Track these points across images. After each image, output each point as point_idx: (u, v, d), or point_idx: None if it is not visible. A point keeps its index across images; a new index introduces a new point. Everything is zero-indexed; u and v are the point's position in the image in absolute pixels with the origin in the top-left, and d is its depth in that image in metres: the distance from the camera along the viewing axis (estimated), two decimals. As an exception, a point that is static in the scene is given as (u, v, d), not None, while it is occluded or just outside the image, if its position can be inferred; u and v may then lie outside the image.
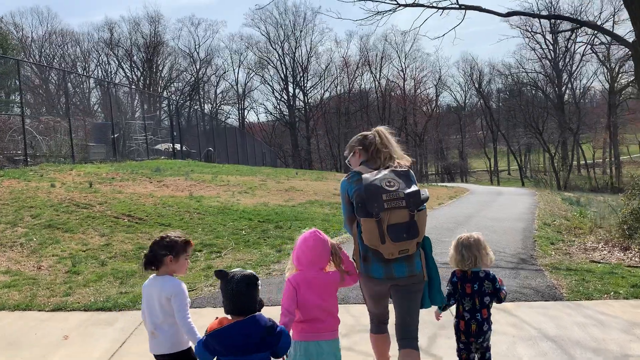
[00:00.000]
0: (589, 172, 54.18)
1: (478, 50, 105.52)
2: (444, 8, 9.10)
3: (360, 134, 3.26)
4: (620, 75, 50.54)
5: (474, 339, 3.00)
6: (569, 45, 51.93)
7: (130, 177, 14.51)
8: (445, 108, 68.63)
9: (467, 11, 9.62)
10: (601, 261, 6.15)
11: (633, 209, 7.12)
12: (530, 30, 52.79)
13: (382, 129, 3.19)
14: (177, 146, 27.21)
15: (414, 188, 2.79)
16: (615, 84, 50.59)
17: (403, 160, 3.03)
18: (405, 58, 59.41)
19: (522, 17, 53.10)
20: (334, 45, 78.32)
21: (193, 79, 59.36)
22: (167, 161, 21.59)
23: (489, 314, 3.03)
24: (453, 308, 3.11)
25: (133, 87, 45.30)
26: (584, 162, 56.05)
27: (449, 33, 9.47)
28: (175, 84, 60.03)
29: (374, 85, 60.27)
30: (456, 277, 3.06)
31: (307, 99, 59.78)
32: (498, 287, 3.02)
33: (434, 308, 3.09)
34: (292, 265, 2.90)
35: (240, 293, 2.32)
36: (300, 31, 58.11)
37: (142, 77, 56.75)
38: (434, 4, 9.10)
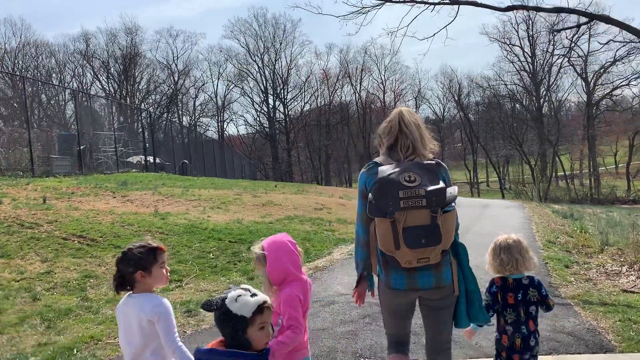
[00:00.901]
0: (568, 183, 54.33)
1: (457, 63, 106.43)
2: (436, 3, 8.22)
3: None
4: (596, 87, 51.18)
5: (518, 355, 2.65)
6: (547, 58, 52.53)
7: (93, 191, 13.26)
8: (424, 120, 68.29)
9: (460, 11, 8.73)
10: (635, 290, 5.22)
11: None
12: (509, 42, 53.58)
13: (403, 110, 2.69)
14: (151, 159, 25.96)
15: (439, 185, 2.33)
16: (592, 97, 51.10)
17: (428, 151, 2.58)
18: (385, 70, 59.19)
19: (501, 29, 53.91)
20: (314, 57, 77.79)
21: (171, 90, 58.16)
22: (138, 174, 20.29)
23: (536, 326, 2.70)
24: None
25: (105, 97, 43.75)
26: (562, 173, 56.12)
27: (440, 33, 8.69)
28: (153, 96, 58.88)
29: (354, 98, 59.79)
30: (496, 286, 2.73)
31: (288, 111, 59.01)
32: (545, 293, 2.71)
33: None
34: (271, 286, 2.43)
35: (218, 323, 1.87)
36: (280, 43, 57.48)
37: (119, 89, 55.38)
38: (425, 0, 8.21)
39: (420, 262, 2.29)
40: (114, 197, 12.73)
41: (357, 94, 59.24)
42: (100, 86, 55.14)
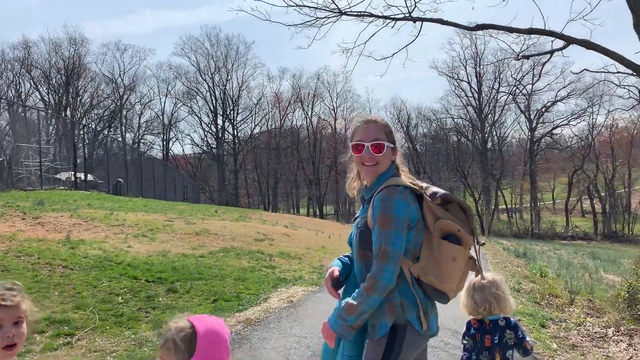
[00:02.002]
0: (510, 217, 55.76)
1: (407, 95, 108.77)
2: (397, 19, 7.41)
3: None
4: (538, 125, 53.38)
5: None
6: (492, 94, 54.33)
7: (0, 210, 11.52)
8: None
9: (423, 30, 7.96)
10: (632, 365, 4.35)
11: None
12: (457, 77, 55.02)
13: None
14: (83, 176, 23.93)
15: None
16: (534, 134, 53.18)
17: None
18: (337, 98, 59.10)
19: (449, 64, 55.25)
20: (266, 80, 76.89)
21: (114, 105, 55.79)
22: (63, 192, 18.38)
23: None
24: None
25: (40, 108, 40.91)
26: (504, 206, 57.52)
27: (400, 53, 7.94)
28: (96, 110, 56.33)
29: (305, 123, 59.28)
30: (473, 328, 2.61)
31: (237, 133, 57.71)
32: (521, 336, 2.56)
33: None
34: None
35: None
36: (232, 64, 56.52)
37: (59, 101, 52.47)
38: (384, 14, 7.39)
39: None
40: (24, 219, 11.05)
41: (308, 119, 58.82)
42: (39, 97, 52.04)
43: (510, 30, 6.79)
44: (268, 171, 56.82)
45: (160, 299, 6.26)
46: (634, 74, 5.98)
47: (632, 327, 5.20)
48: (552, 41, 6.82)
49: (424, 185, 2.19)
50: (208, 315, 1.71)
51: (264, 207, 56.78)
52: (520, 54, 7.36)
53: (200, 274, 7.52)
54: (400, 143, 2.28)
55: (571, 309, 6.56)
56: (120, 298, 6.21)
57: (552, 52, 6.82)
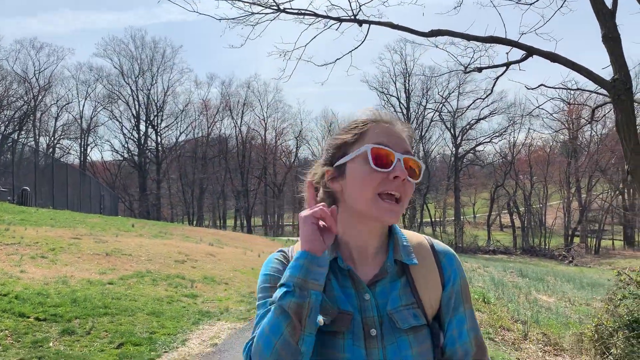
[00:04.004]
0: (434, 230, 57.34)
1: (338, 108, 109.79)
2: (342, 19, 6.72)
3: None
4: (462, 142, 55.57)
5: None
6: (420, 111, 55.91)
7: None
8: (303, 161, 68.52)
9: (370, 33, 7.32)
10: None
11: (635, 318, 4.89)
12: (387, 92, 56.08)
13: None
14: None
15: None
16: (459, 150, 55.28)
17: None
18: (268, 107, 58.15)
19: (380, 79, 56.24)
20: (193, 86, 74.24)
21: (27, 106, 51.59)
22: (-48, 202, 16.08)
23: None
24: None
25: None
26: (428, 220, 59.04)
27: (345, 58, 7.31)
28: (6, 111, 51.80)
29: (234, 132, 57.73)
30: None
31: (161, 140, 55.04)
32: None
33: None
34: None
35: None
36: (158, 68, 53.99)
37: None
38: (328, 14, 6.68)
39: None
40: None
41: (237, 128, 57.31)
42: None
43: (468, 37, 6.30)
44: (193, 181, 54.68)
45: (50, 345, 5.03)
46: (600, 90, 5.65)
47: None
48: (507, 52, 6.44)
49: None
50: None
51: (188, 219, 54.49)
52: (472, 66, 6.91)
53: (107, 307, 6.31)
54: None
55: (527, 346, 6.08)
56: (-4, 345, 4.92)
57: (508, 64, 6.40)
